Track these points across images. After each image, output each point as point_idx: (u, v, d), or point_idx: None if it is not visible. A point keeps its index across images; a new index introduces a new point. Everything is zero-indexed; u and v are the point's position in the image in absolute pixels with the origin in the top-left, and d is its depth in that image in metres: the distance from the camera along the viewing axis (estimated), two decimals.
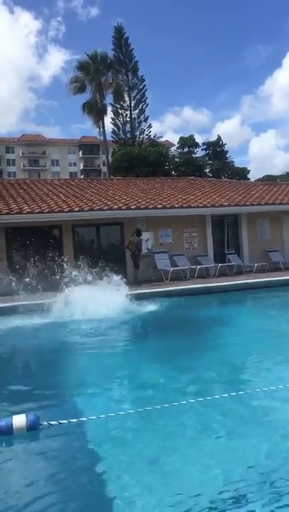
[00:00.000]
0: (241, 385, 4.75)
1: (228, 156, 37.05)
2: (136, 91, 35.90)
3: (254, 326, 8.27)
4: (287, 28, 43.19)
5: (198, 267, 14.75)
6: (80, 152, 72.79)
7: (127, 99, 35.71)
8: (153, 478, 2.93)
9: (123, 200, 15.30)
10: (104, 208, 14.28)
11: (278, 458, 3.08)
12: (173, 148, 36.56)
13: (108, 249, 15.74)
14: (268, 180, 35.26)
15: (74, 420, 3.73)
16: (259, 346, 6.44)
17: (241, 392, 4.27)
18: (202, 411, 3.91)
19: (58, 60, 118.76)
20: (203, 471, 2.94)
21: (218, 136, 37.63)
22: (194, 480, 2.84)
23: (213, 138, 38.64)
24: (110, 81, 33.89)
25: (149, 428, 3.75)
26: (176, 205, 15.36)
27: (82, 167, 72.15)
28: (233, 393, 4.17)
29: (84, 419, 3.78)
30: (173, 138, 45.46)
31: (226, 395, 4.16)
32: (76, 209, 13.93)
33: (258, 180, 34.16)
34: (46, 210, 13.55)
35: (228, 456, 3.16)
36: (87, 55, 34.05)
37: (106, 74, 33.86)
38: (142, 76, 36.05)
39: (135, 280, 13.17)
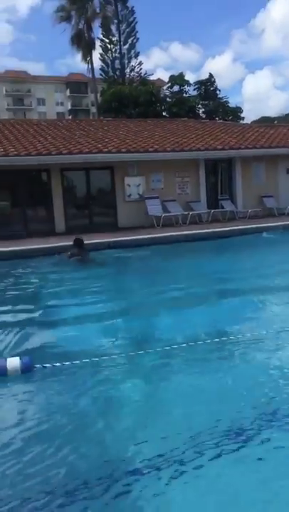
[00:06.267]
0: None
1: (221, 95, 35.24)
2: (125, 24, 33.41)
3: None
4: None
5: (191, 213, 14.55)
6: (68, 91, 69.06)
7: (116, 32, 33.33)
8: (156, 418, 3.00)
9: (113, 143, 14.71)
10: (94, 151, 13.77)
11: None
12: (164, 88, 34.67)
13: (98, 195, 15.46)
14: (265, 122, 33.89)
15: (67, 363, 3.76)
16: None
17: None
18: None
19: None
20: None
21: (210, 73, 35.44)
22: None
23: (204, 76, 36.53)
24: (98, 11, 31.37)
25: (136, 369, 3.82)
26: (168, 149, 14.85)
27: (69, 107, 68.78)
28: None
29: (77, 362, 3.81)
30: (163, 76, 43.01)
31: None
32: (65, 151, 13.39)
33: (254, 122, 32.79)
34: (34, 153, 13.01)
35: None
36: None
37: (93, 2, 31.24)
38: (132, 7, 33.39)
39: None
